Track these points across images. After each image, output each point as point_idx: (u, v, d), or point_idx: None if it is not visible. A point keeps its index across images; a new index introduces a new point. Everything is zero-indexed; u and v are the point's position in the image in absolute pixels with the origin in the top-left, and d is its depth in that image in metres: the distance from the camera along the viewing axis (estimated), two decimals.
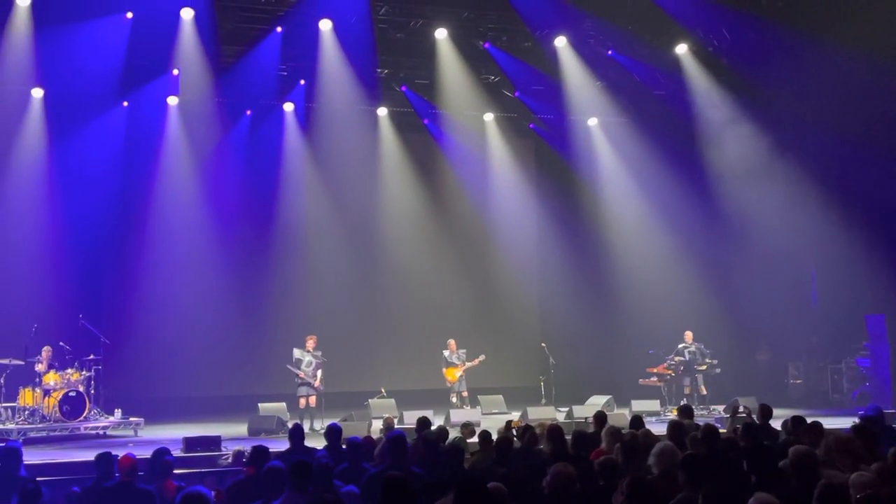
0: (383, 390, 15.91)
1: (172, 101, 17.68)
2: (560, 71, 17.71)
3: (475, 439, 9.08)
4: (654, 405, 15.66)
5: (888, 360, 16.72)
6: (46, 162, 16.94)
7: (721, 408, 15.27)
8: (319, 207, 19.11)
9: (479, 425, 11.16)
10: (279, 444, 9.58)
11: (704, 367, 16.26)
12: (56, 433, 13.36)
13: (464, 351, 16.62)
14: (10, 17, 14.86)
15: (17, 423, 13.32)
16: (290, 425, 10.90)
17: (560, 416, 14.80)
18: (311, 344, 15.05)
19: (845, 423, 9.96)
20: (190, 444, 11.49)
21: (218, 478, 9.50)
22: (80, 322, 14.68)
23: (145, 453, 8.45)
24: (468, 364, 16.42)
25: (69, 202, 17.02)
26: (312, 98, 18.03)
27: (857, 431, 7.06)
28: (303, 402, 14.74)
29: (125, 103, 17.28)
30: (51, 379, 13.64)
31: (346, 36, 16.46)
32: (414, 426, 9.74)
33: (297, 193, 19.03)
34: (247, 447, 8.73)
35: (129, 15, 15.27)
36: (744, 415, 10.98)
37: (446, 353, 16.51)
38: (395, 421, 12.84)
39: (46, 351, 13.97)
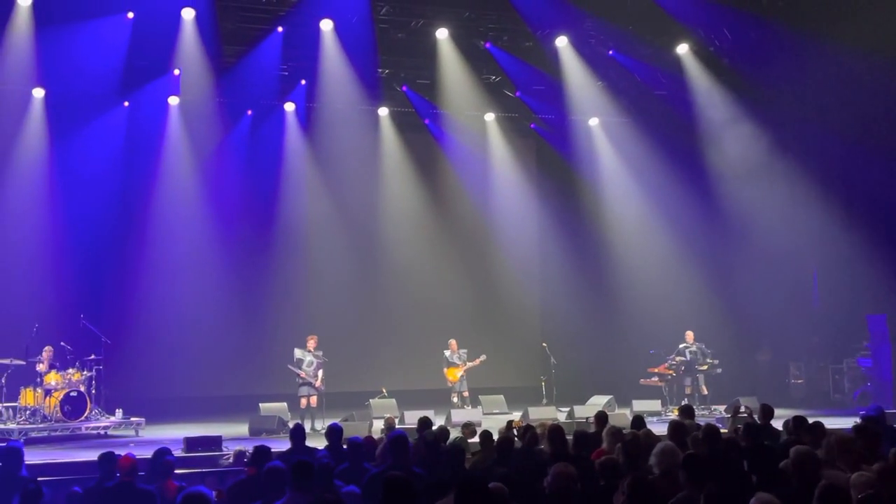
0: (384, 390, 15.90)
1: (173, 100, 17.69)
2: (561, 71, 17.72)
3: (476, 439, 9.07)
4: (655, 405, 15.65)
5: (889, 360, 16.69)
6: (47, 162, 16.95)
7: (722, 408, 15.27)
8: (320, 207, 19.11)
9: (480, 425, 11.14)
10: (280, 444, 9.58)
11: (705, 367, 16.26)
12: (57, 433, 13.36)
13: (465, 351, 16.61)
14: (11, 17, 14.87)
15: (18, 423, 13.31)
16: (291, 425, 10.92)
17: (561, 416, 14.80)
18: (312, 344, 15.05)
19: (846, 423, 9.96)
20: (191, 444, 11.49)
21: (219, 478, 9.50)
22: (81, 322, 14.69)
23: (146, 453, 8.47)
24: (469, 364, 16.42)
25: (70, 202, 17.03)
26: (313, 98, 18.05)
27: (858, 431, 7.06)
28: (304, 401, 14.74)
29: (126, 103, 17.29)
30: (52, 379, 13.64)
31: (346, 36, 16.46)
32: (415, 426, 9.73)
33: (298, 193, 19.03)
34: (248, 447, 8.73)
35: (130, 15, 15.28)
36: (745, 415, 10.98)
37: (447, 353, 16.51)
38: (396, 421, 12.84)
39: (47, 351, 13.96)
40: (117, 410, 14.41)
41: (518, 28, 16.95)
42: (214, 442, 11.63)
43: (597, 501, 5.88)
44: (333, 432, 8.46)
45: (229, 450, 10.96)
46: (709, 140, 18.16)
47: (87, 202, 16.94)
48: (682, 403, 12.89)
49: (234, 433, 13.41)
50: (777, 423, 9.29)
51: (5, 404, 13.68)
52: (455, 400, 16.19)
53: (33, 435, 13.03)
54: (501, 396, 17.00)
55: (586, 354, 18.93)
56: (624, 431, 8.03)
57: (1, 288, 16.07)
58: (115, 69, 15.96)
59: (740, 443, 7.48)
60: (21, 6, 14.82)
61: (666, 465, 5.99)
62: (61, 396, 13.42)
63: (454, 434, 9.81)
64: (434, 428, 9.35)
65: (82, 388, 13.72)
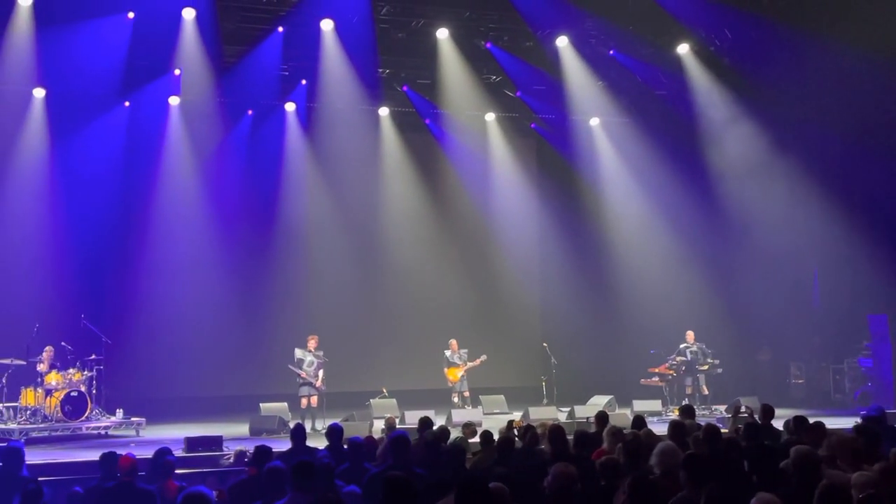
0: (385, 390, 15.90)
1: (174, 100, 17.69)
2: (561, 71, 17.72)
3: (477, 439, 9.07)
4: (655, 405, 15.64)
5: (890, 360, 16.70)
6: (48, 162, 16.95)
7: (723, 408, 15.27)
8: (321, 207, 19.11)
9: (480, 425, 11.13)
10: (281, 444, 9.58)
11: (706, 367, 16.26)
12: (58, 433, 13.37)
13: (465, 351, 16.61)
14: (11, 17, 14.87)
15: (18, 423, 13.32)
16: (291, 425, 10.91)
17: (562, 416, 14.79)
18: (312, 344, 15.05)
19: (847, 423, 9.95)
20: (192, 444, 11.49)
21: (219, 478, 9.50)
22: (81, 322, 14.70)
23: (147, 453, 8.47)
24: (470, 364, 16.41)
25: (71, 202, 17.04)
26: (314, 98, 18.05)
27: (859, 431, 7.06)
28: (304, 401, 14.74)
29: (127, 103, 17.29)
30: (52, 379, 13.64)
31: (347, 36, 16.46)
32: (416, 426, 9.73)
33: (299, 193, 19.03)
34: (249, 447, 8.74)
35: (131, 15, 15.29)
36: (746, 415, 10.97)
37: (448, 353, 16.50)
38: (397, 421, 12.83)
39: (48, 351, 13.96)
40: (118, 410, 14.42)
41: (518, 28, 16.95)
42: (215, 442, 11.64)
43: (597, 501, 5.88)
44: (334, 432, 8.47)
45: (230, 450, 10.97)
46: (709, 140, 18.16)
47: (88, 202, 16.95)
48: (683, 403, 12.90)
49: (234, 433, 13.42)
50: (778, 423, 9.29)
51: (6, 404, 13.68)
52: (456, 400, 16.18)
53: (34, 435, 13.04)
54: (502, 396, 16.99)
55: (587, 354, 18.92)
56: (625, 431, 8.03)
57: (1, 288, 16.08)
58: (116, 69, 15.97)
59: (741, 443, 7.48)
60: (22, 6, 14.82)
61: (667, 465, 5.99)
62: (62, 396, 13.42)
63: (455, 434, 9.82)
64: (435, 428, 9.35)
65: (83, 388, 13.72)
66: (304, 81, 17.83)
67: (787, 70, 16.69)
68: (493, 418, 14.53)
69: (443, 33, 16.80)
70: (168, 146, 17.86)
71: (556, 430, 7.68)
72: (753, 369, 18.79)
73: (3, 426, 13.23)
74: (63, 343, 14.19)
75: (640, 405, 15.30)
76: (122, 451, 7.38)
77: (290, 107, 18.63)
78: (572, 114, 18.97)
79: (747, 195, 17.92)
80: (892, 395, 16.21)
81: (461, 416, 14.12)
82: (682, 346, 16.39)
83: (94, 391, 14.08)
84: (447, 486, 5.51)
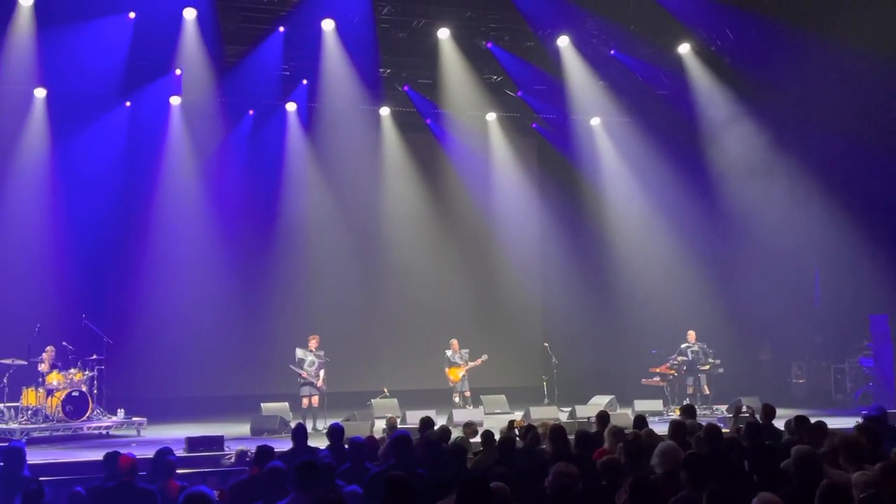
0: (386, 390, 15.90)
1: (175, 100, 17.69)
2: (562, 70, 17.71)
3: (478, 439, 9.08)
4: (656, 405, 15.64)
5: (891, 359, 16.68)
6: (49, 162, 16.97)
7: (724, 407, 15.26)
8: (322, 207, 19.12)
9: (481, 425, 11.13)
10: (282, 444, 9.58)
11: (707, 367, 16.25)
12: (59, 433, 13.37)
13: (466, 351, 16.61)
14: (12, 17, 14.87)
15: (20, 423, 13.33)
16: (292, 425, 10.91)
17: (563, 415, 14.78)
18: (313, 344, 15.06)
19: (848, 422, 9.94)
20: (193, 443, 11.49)
21: (221, 478, 9.51)
22: (82, 322, 14.71)
23: (148, 453, 8.48)
24: (471, 364, 16.41)
25: (72, 202, 17.05)
26: (315, 98, 18.05)
27: (860, 431, 7.05)
28: (305, 401, 14.75)
29: (128, 103, 17.30)
30: (54, 379, 13.64)
31: (348, 36, 16.46)
32: (416, 426, 9.73)
33: (300, 193, 19.03)
34: (250, 447, 8.74)
35: (132, 15, 15.28)
36: (747, 415, 10.96)
37: (449, 352, 16.50)
38: (398, 421, 12.83)
39: (49, 351, 13.95)
40: (119, 410, 14.42)
41: (519, 28, 16.95)
42: (216, 442, 11.64)
43: (598, 501, 5.88)
44: (335, 432, 8.47)
45: (231, 450, 10.97)
46: (710, 139, 18.16)
47: (89, 202, 16.96)
48: (684, 403, 12.93)
49: (235, 433, 13.43)
50: (779, 423, 9.28)
51: (7, 404, 13.68)
52: (457, 400, 16.18)
53: (35, 435, 13.04)
54: (503, 396, 16.98)
55: (588, 354, 18.92)
56: (626, 431, 8.03)
57: (2, 288, 16.10)
58: (117, 69, 15.96)
59: (742, 442, 7.48)
60: (23, 6, 14.82)
61: (668, 464, 5.99)
62: (63, 396, 13.42)
63: (456, 434, 9.83)
64: (436, 428, 9.35)
65: (84, 388, 13.72)
66: (304, 81, 17.83)
67: (787, 70, 16.68)
68: (495, 418, 14.52)
69: (444, 33, 16.80)
70: (169, 146, 17.87)
71: (557, 430, 7.68)
72: (754, 369, 18.77)
73: (4, 426, 13.24)
74: (64, 343, 14.19)
75: (642, 405, 15.29)
76: (124, 451, 7.39)
77: (290, 107, 18.63)
78: (573, 113, 18.96)
79: (748, 195, 17.90)
80: (893, 395, 16.17)
81: (462, 415, 14.12)
82: (683, 345, 16.38)
83: (95, 391, 14.08)
84: (448, 486, 5.51)
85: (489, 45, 17.35)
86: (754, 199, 17.87)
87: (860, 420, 8.59)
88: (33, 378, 13.76)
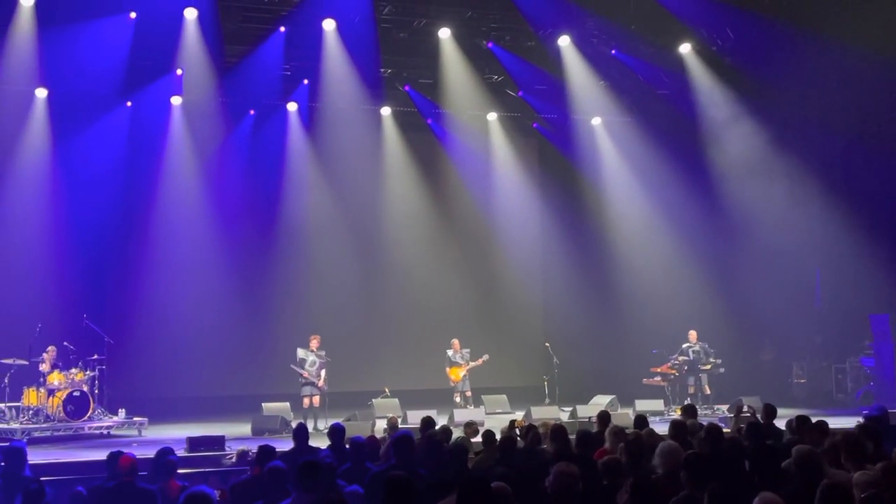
0: (387, 390, 15.91)
1: (176, 100, 17.70)
2: (563, 70, 17.72)
3: (479, 439, 9.08)
4: (657, 405, 15.63)
5: (892, 359, 16.66)
6: (50, 162, 16.98)
7: (725, 407, 15.25)
8: (323, 207, 19.12)
9: (482, 425, 11.14)
10: (283, 444, 9.58)
11: (708, 367, 16.24)
12: (60, 433, 13.38)
13: (467, 350, 16.61)
14: (13, 17, 14.89)
15: (21, 423, 13.34)
16: (293, 425, 10.91)
17: (564, 415, 14.78)
18: (314, 343, 15.06)
19: (849, 422, 9.93)
20: (193, 443, 11.49)
21: (221, 477, 9.50)
22: (83, 322, 14.72)
23: (149, 453, 8.48)
24: (472, 364, 16.41)
25: (73, 202, 17.06)
26: (316, 98, 18.07)
27: (861, 431, 7.05)
28: (306, 401, 14.76)
29: (129, 103, 17.33)
30: (55, 379, 13.65)
31: (349, 35, 16.47)
32: (418, 426, 9.73)
33: (301, 193, 19.04)
34: (251, 447, 8.74)
35: (133, 15, 15.30)
36: (748, 414, 10.97)
37: (450, 352, 16.50)
38: (399, 420, 12.83)
39: (50, 351, 13.96)
40: (120, 410, 14.43)
41: (520, 28, 16.96)
42: (217, 442, 11.64)
43: (599, 501, 5.88)
44: (336, 432, 8.47)
45: (232, 450, 10.96)
46: (711, 139, 18.16)
47: (90, 202, 16.97)
48: (685, 403, 12.90)
49: (236, 433, 13.42)
50: (780, 423, 9.28)
51: (8, 404, 13.69)
52: (458, 399, 16.19)
53: (36, 435, 13.05)
54: (504, 396, 16.98)
55: (589, 354, 18.91)
56: (627, 431, 8.02)
57: (4, 288, 16.11)
58: (118, 69, 15.98)
59: (743, 442, 7.48)
60: (24, 6, 14.83)
61: (669, 464, 5.99)
62: (64, 396, 13.43)
63: (457, 434, 9.82)
64: (437, 428, 9.35)
65: (85, 388, 13.73)
66: (305, 81, 17.84)
67: (787, 70, 16.68)
68: (495, 418, 14.52)
69: (444, 33, 16.81)
70: (170, 146, 17.88)
71: (558, 430, 7.68)
72: (755, 369, 18.76)
73: (5, 426, 13.24)
74: (65, 343, 14.21)
75: (643, 405, 15.29)
76: (125, 451, 7.39)
77: (291, 107, 18.64)
78: (574, 113, 18.97)
79: (749, 194, 17.90)
80: (894, 395, 16.17)
81: (463, 415, 14.12)
82: (684, 345, 16.37)
83: (96, 391, 14.09)
84: (449, 486, 5.51)
85: (490, 44, 17.36)
86: (755, 199, 17.86)
87: (861, 420, 8.58)
88: (34, 378, 13.77)
